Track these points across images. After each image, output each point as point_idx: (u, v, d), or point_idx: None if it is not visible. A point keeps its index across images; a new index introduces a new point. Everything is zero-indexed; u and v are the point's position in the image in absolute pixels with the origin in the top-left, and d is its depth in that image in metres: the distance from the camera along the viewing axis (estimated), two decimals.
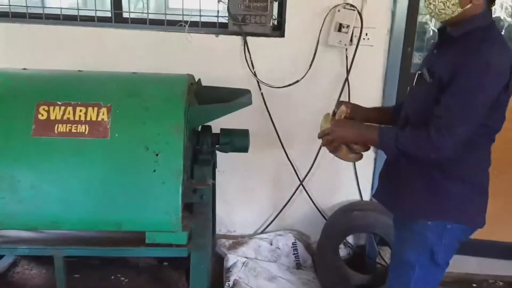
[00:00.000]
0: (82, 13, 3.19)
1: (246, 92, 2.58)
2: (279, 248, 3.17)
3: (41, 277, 2.87)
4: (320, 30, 2.92)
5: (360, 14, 2.89)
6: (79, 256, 2.28)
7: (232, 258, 3.01)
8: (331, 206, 3.30)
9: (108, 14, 3.21)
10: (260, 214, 3.37)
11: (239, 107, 2.36)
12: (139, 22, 3.19)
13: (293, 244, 3.19)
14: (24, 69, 2.37)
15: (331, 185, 3.28)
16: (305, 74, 2.97)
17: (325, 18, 2.91)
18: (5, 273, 2.85)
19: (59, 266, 2.14)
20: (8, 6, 3.18)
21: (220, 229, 3.33)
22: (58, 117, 2.08)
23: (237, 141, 2.50)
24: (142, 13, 3.32)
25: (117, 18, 3.18)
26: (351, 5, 2.88)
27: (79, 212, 2.05)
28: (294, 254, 3.18)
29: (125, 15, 3.20)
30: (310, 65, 2.96)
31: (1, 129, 2.06)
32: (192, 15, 3.14)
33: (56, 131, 2.06)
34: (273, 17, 3.02)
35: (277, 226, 3.36)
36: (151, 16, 3.19)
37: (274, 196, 3.33)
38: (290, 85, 2.99)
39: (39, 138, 2.05)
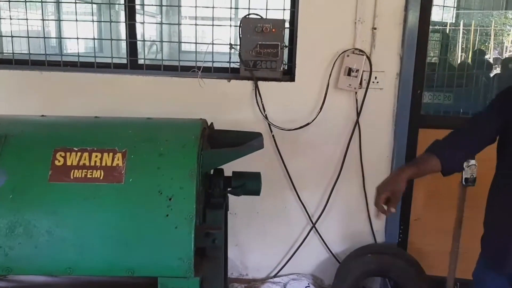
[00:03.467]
0: (98, 59, 3.30)
1: (258, 135, 2.61)
2: None
3: None
4: (330, 74, 2.99)
5: (369, 58, 2.96)
6: None
7: None
8: (344, 249, 3.27)
9: (124, 61, 3.32)
10: (273, 257, 3.35)
11: (251, 151, 2.38)
12: (154, 68, 3.29)
13: None
14: (43, 115, 2.43)
15: (344, 228, 3.27)
16: (316, 117, 3.02)
17: (334, 62, 2.98)
18: None
19: None
20: (28, 54, 3.31)
21: (232, 273, 3.30)
22: (74, 163, 2.11)
23: (249, 184, 2.50)
24: (157, 59, 3.44)
25: (133, 65, 3.28)
26: (360, 50, 2.95)
27: (93, 257, 2.05)
28: None
29: (140, 61, 3.31)
30: (321, 108, 3.01)
31: (19, 174, 2.10)
32: (204, 61, 3.23)
33: (72, 177, 2.09)
34: (284, 62, 3.09)
35: (290, 270, 3.33)
36: (165, 62, 3.29)
37: (286, 239, 3.31)
38: (300, 127, 3.03)
39: (55, 183, 2.08)
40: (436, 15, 3.36)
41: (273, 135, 3.09)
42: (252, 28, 2.96)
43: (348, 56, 2.94)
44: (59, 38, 3.34)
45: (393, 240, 3.25)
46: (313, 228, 3.22)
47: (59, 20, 3.27)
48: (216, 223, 2.33)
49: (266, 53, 2.99)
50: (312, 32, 3.00)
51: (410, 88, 3.06)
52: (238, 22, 3.09)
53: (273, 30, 2.94)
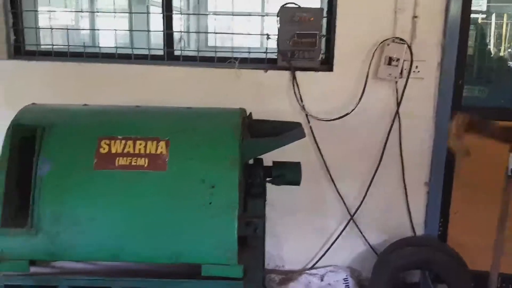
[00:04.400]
0: (135, 51, 3.32)
1: (297, 125, 2.60)
2: (330, 284, 3.10)
3: None
4: (370, 64, 2.94)
5: (410, 47, 2.89)
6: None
7: None
8: (382, 242, 3.22)
9: (161, 52, 3.33)
10: (309, 249, 3.32)
11: (292, 140, 2.37)
12: (190, 60, 3.29)
13: (344, 280, 3.11)
14: (85, 105, 2.46)
15: (382, 220, 3.21)
16: (355, 107, 2.98)
17: (374, 51, 2.93)
18: None
19: None
20: (67, 46, 3.36)
21: (268, 264, 3.29)
22: (119, 151, 2.14)
23: (289, 174, 2.50)
24: (193, 50, 3.43)
25: (169, 56, 3.29)
26: (401, 39, 2.89)
27: (138, 244, 2.08)
28: None
29: (177, 53, 3.32)
30: (360, 98, 2.97)
31: (64, 162, 2.14)
32: (241, 52, 3.22)
33: (117, 164, 2.12)
34: (322, 52, 3.05)
35: (326, 262, 3.30)
36: (201, 54, 3.29)
37: (323, 231, 3.28)
38: (339, 118, 2.99)
39: (100, 171, 2.11)
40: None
41: (310, 126, 3.05)
42: (290, 18, 2.93)
43: (388, 45, 2.89)
44: (97, 30, 3.38)
45: (433, 233, 3.19)
46: (351, 220, 3.18)
47: (96, 12, 3.31)
48: (257, 212, 2.33)
49: (304, 42, 2.95)
50: (351, 21, 2.95)
51: (452, 78, 2.98)
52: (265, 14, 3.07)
53: (311, 19, 2.91)
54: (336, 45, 3.00)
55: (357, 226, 3.20)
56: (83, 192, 2.11)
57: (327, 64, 3.09)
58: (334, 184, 3.14)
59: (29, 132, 2.19)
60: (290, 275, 3.19)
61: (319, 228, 3.27)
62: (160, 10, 3.28)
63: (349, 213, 3.18)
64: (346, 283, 3.12)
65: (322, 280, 3.13)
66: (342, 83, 3.02)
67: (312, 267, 3.28)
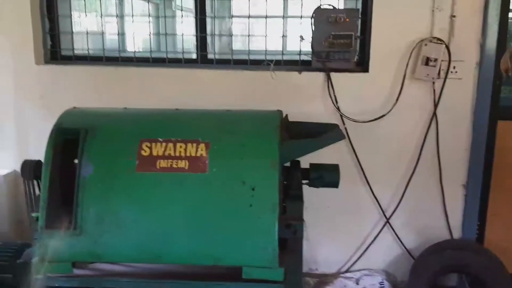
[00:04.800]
0: (169, 55, 3.35)
1: (334, 126, 2.58)
2: None
3: None
4: (407, 64, 2.90)
5: (447, 47, 2.85)
6: None
7: None
8: (417, 245, 3.17)
9: (194, 56, 3.35)
10: (343, 252, 3.29)
11: (332, 142, 2.36)
12: (224, 63, 3.30)
13: (380, 284, 3.08)
14: (125, 108, 2.49)
15: (418, 223, 3.17)
16: (391, 108, 2.94)
17: (411, 52, 2.89)
18: None
19: None
20: (102, 51, 3.41)
21: None
22: (160, 153, 2.15)
23: (328, 176, 2.47)
24: (226, 53, 3.45)
25: (203, 59, 3.31)
26: (438, 39, 2.85)
27: (179, 246, 2.08)
28: None
29: (210, 56, 3.33)
30: (397, 99, 2.93)
31: (106, 164, 2.16)
32: (274, 54, 3.22)
33: (158, 167, 2.13)
34: (357, 53, 3.03)
35: (361, 265, 3.26)
36: (234, 56, 3.30)
37: (357, 234, 3.25)
38: (375, 119, 2.96)
39: (142, 173, 2.12)
40: None
41: (345, 127, 3.03)
42: (325, 19, 2.92)
43: (426, 45, 2.85)
44: (131, 34, 3.41)
45: (470, 236, 3.13)
46: (387, 223, 3.14)
47: (132, 16, 3.33)
48: (296, 215, 2.31)
49: (339, 43, 2.93)
50: (387, 21, 2.92)
51: (491, 78, 2.93)
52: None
53: (347, 20, 2.88)
54: (372, 45, 2.97)
55: (392, 229, 3.16)
56: (126, 194, 2.13)
57: (361, 65, 3.06)
58: (370, 186, 3.11)
59: (71, 135, 2.22)
60: (324, 279, 3.17)
61: (353, 231, 3.24)
62: (185, 15, 3.30)
63: (385, 216, 3.14)
64: (382, 286, 3.08)
65: (357, 283, 3.10)
66: (378, 84, 2.99)
67: (346, 271, 3.25)
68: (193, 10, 4.08)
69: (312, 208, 3.15)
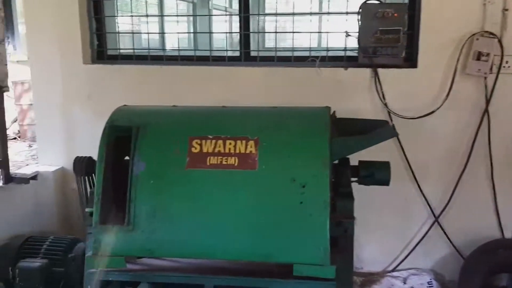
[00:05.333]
0: (213, 53, 3.37)
1: (384, 123, 2.54)
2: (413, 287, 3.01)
3: None
4: (458, 59, 2.82)
5: (500, 41, 2.76)
6: (228, 286, 2.30)
7: None
8: (467, 244, 3.08)
9: (237, 54, 3.36)
10: (389, 251, 3.24)
11: (384, 139, 2.32)
12: (267, 60, 3.29)
13: (428, 284, 3.01)
14: (174, 106, 2.52)
15: (468, 222, 3.08)
16: (441, 104, 2.87)
17: (462, 47, 2.81)
18: None
19: None
20: (147, 50, 3.46)
21: None
22: (210, 150, 2.16)
23: (379, 173, 2.43)
24: (269, 50, 3.44)
25: (246, 57, 3.31)
26: (491, 33, 2.76)
27: (230, 242, 2.09)
28: None
29: (253, 53, 3.33)
30: (447, 95, 2.86)
31: (158, 161, 2.19)
32: (319, 50, 3.19)
33: (208, 163, 2.14)
34: (405, 48, 2.97)
35: (407, 264, 3.20)
36: (278, 54, 3.29)
37: (405, 233, 3.19)
38: (425, 115, 2.90)
39: (192, 170, 2.14)
40: None
41: (393, 124, 2.97)
42: (372, 14, 2.87)
43: (477, 39, 2.77)
44: (178, 33, 3.46)
45: None
46: (436, 222, 3.07)
47: (177, 15, 3.37)
48: (346, 213, 2.28)
49: (387, 39, 2.88)
50: (436, 15, 2.85)
51: None
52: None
53: (395, 15, 2.83)
54: (421, 40, 2.91)
55: (442, 228, 3.08)
56: (177, 190, 2.15)
57: (409, 61, 3.00)
58: (418, 185, 3.05)
59: (123, 132, 2.26)
60: (371, 277, 3.12)
61: (400, 229, 3.19)
62: (221, 13, 3.30)
63: (434, 215, 3.07)
64: (430, 286, 3.02)
65: (404, 283, 3.04)
66: (427, 80, 2.92)
67: (393, 270, 3.20)
68: (227, 9, 4.14)
69: (359, 205, 3.09)
